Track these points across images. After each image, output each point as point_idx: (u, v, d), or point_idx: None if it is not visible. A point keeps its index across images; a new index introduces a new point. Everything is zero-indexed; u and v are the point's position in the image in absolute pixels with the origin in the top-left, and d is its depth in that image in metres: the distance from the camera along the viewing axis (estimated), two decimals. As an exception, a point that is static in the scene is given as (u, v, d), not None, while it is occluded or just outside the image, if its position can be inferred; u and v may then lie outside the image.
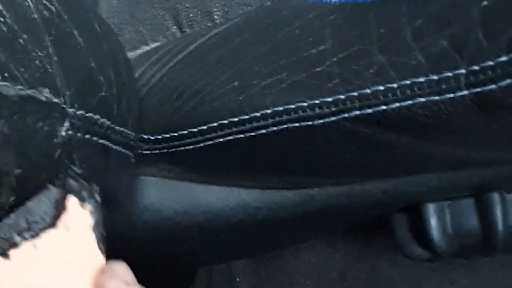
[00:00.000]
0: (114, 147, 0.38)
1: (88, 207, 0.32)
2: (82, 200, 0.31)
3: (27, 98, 0.29)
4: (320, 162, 0.43)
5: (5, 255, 0.27)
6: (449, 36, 0.33)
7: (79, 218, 0.31)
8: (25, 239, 0.28)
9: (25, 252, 0.28)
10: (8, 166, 0.27)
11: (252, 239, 0.56)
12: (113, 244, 0.51)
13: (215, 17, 0.54)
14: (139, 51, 0.58)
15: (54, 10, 0.34)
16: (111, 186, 0.40)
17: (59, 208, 0.30)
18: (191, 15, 0.56)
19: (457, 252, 0.50)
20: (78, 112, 0.33)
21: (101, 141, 0.36)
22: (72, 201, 0.31)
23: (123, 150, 0.39)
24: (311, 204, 0.48)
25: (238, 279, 0.76)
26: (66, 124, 0.31)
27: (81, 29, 0.36)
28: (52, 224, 0.29)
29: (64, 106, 0.31)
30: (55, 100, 0.31)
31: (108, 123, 0.36)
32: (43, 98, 0.30)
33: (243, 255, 0.68)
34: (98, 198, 0.33)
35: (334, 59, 0.38)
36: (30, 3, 0.32)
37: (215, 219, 0.49)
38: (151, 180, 0.49)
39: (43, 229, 0.29)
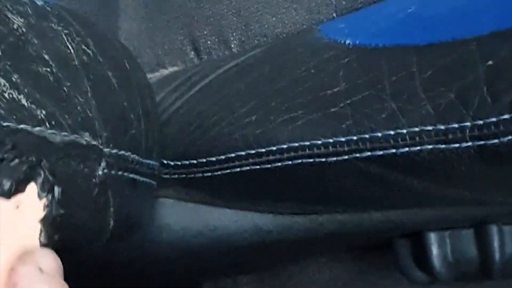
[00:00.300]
0: (141, 179, 0.40)
1: (44, 200, 0.31)
2: (42, 190, 0.31)
3: (70, 143, 0.31)
4: (330, 194, 0.46)
5: None
6: (456, 90, 0.36)
7: (32, 205, 0.31)
8: None
9: None
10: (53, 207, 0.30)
11: (261, 258, 0.58)
12: (129, 257, 0.54)
13: (232, 45, 0.57)
14: (157, 74, 0.61)
15: (91, 54, 0.37)
16: (136, 213, 0.42)
17: (19, 186, 0.30)
18: (208, 42, 0.58)
19: (456, 277, 0.53)
20: (113, 151, 0.36)
21: (131, 175, 0.38)
22: (32, 187, 0.30)
23: (148, 181, 0.42)
24: (320, 229, 0.51)
25: (243, 289, 0.79)
26: (103, 164, 0.34)
27: (114, 69, 0.39)
28: (6, 195, 0.29)
29: (101, 147, 0.34)
30: (94, 142, 0.33)
31: (137, 158, 0.39)
32: (84, 142, 0.32)
33: (251, 272, 0.71)
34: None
35: (348, 101, 0.41)
36: (72, 49, 0.35)
37: (227, 241, 0.52)
38: (169, 202, 0.52)
39: None
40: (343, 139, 0.40)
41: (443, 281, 0.54)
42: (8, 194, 0.29)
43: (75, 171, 0.32)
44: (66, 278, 0.35)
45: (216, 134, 0.46)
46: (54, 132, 0.30)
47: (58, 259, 0.30)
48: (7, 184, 0.29)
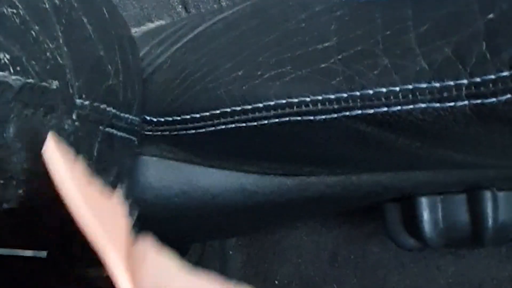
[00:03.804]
0: (119, 133, 0.38)
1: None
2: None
3: (37, 91, 0.29)
4: (318, 154, 0.44)
5: None
6: (453, 45, 0.33)
7: None
8: None
9: None
10: (17, 160, 0.28)
11: (247, 220, 0.57)
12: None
13: (221, -1, 0.54)
14: (143, 28, 0.58)
15: (65, -2, 0.34)
16: (114, 169, 0.41)
17: None
18: (197, -5, 0.56)
19: (446, 243, 0.51)
20: (86, 103, 0.33)
21: (106, 129, 0.36)
22: None
23: (127, 136, 0.40)
24: (307, 191, 0.49)
25: (230, 253, 0.77)
26: (74, 115, 0.32)
27: (90, 16, 0.37)
28: None
29: (72, 97, 0.32)
30: (64, 92, 0.31)
31: (114, 111, 0.37)
32: (52, 91, 0.30)
33: (237, 234, 0.69)
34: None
35: (339, 57, 0.38)
36: None
37: (212, 201, 0.50)
38: (153, 160, 0.50)
39: None
40: (332, 96, 0.38)
41: (433, 247, 0.52)
42: None
43: (42, 122, 0.29)
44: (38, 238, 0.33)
45: (201, 89, 0.44)
46: (18, 78, 0.28)
47: None
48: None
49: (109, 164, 0.38)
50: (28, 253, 0.67)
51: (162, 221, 0.53)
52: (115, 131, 0.38)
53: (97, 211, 0.28)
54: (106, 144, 0.37)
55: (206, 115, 0.44)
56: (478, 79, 0.32)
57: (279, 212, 0.54)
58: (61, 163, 0.26)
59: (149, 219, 0.52)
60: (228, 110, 0.43)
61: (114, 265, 0.27)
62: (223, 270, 0.77)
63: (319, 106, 0.39)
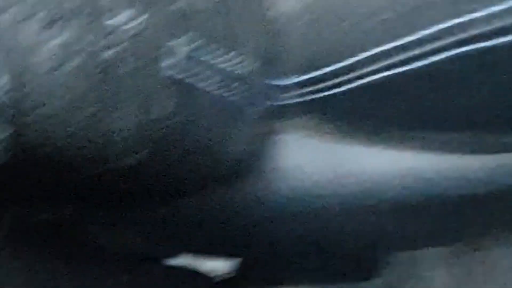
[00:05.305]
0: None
1: None
2: None
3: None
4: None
5: None
6: None
7: None
8: None
9: None
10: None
11: (431, 223, 0.43)
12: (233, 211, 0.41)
13: None
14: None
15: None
16: (242, 151, 0.35)
17: None
18: None
19: None
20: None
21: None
22: None
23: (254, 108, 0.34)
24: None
25: (426, 274, 0.64)
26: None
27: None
28: None
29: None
30: None
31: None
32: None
33: (421, 245, 0.55)
34: None
35: None
36: None
37: (369, 192, 0.38)
38: (291, 139, 0.39)
39: None
40: None
41: None
42: None
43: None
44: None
45: (345, 29, 0.35)
46: None
47: None
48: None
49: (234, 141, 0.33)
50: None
51: (296, 220, 0.42)
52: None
53: None
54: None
55: (355, 62, 0.35)
56: None
57: (476, 209, 0.40)
58: None
59: (277, 218, 0.41)
60: (385, 48, 0.33)
61: None
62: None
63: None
